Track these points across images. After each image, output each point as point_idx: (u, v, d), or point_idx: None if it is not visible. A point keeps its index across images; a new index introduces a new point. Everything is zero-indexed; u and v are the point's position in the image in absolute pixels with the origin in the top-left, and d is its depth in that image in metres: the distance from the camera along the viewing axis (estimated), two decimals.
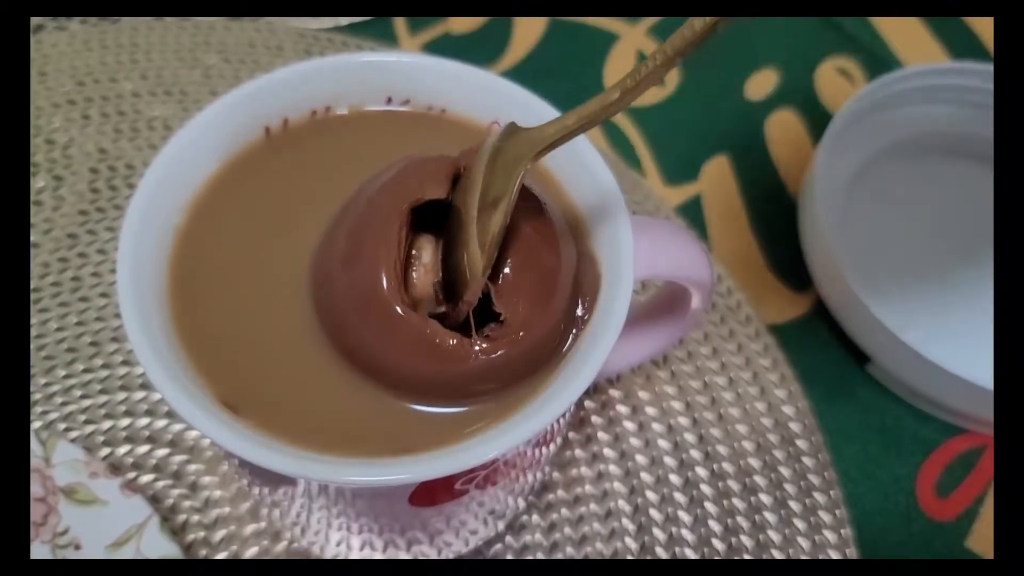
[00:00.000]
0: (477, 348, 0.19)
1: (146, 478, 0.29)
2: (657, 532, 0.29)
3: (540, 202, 0.21)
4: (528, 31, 0.42)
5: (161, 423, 0.30)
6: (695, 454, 0.31)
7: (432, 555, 0.26)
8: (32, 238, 0.34)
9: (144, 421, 0.30)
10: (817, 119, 0.40)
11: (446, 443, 0.19)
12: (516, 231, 0.20)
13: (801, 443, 0.31)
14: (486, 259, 0.19)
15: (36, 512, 0.27)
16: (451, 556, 0.27)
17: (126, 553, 0.27)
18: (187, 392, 0.19)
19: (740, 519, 0.30)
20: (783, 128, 0.40)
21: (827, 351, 0.34)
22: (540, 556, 0.29)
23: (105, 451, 0.30)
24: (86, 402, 0.31)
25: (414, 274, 0.19)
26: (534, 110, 0.24)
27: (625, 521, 0.30)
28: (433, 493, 0.22)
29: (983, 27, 0.44)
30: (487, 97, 0.24)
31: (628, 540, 0.29)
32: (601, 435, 0.31)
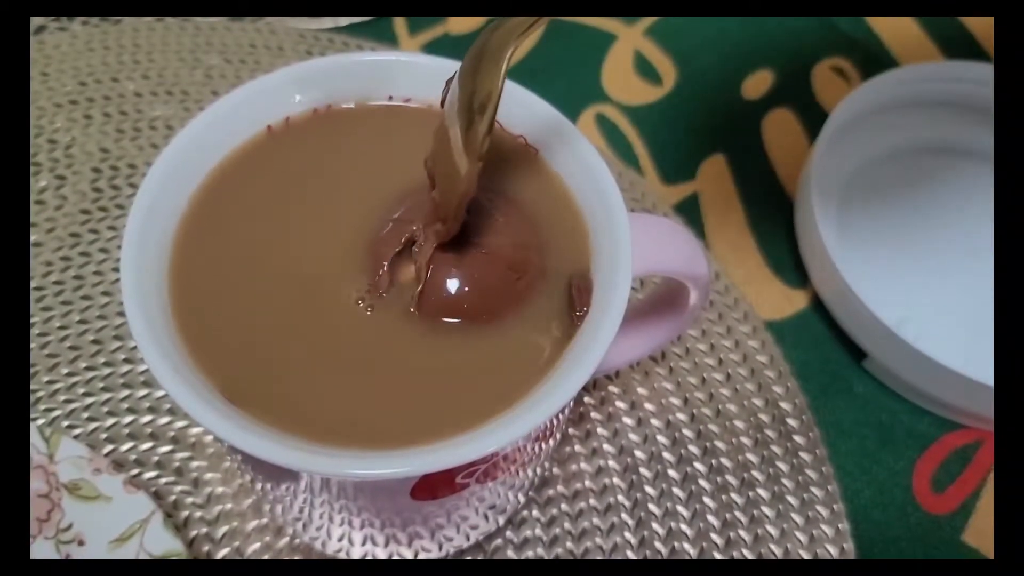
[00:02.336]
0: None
1: (149, 474, 0.29)
2: (656, 526, 0.30)
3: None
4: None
5: (164, 420, 0.30)
6: (693, 449, 0.31)
7: (433, 549, 0.27)
8: (35, 237, 0.34)
9: (147, 418, 0.30)
10: (813, 118, 0.40)
11: (447, 436, 0.19)
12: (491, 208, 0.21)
13: (798, 438, 0.32)
14: (472, 163, 0.19)
15: (40, 508, 0.28)
16: (452, 551, 0.27)
17: (129, 549, 0.27)
18: (190, 387, 0.19)
19: (738, 513, 0.30)
20: (780, 127, 0.40)
21: (824, 347, 0.34)
22: (540, 550, 0.29)
23: (108, 448, 0.30)
24: (89, 399, 0.31)
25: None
26: (533, 109, 0.24)
27: (624, 516, 0.30)
28: (434, 487, 0.22)
29: (978, 27, 0.44)
30: None
31: (627, 534, 0.29)
32: (600, 430, 0.31)
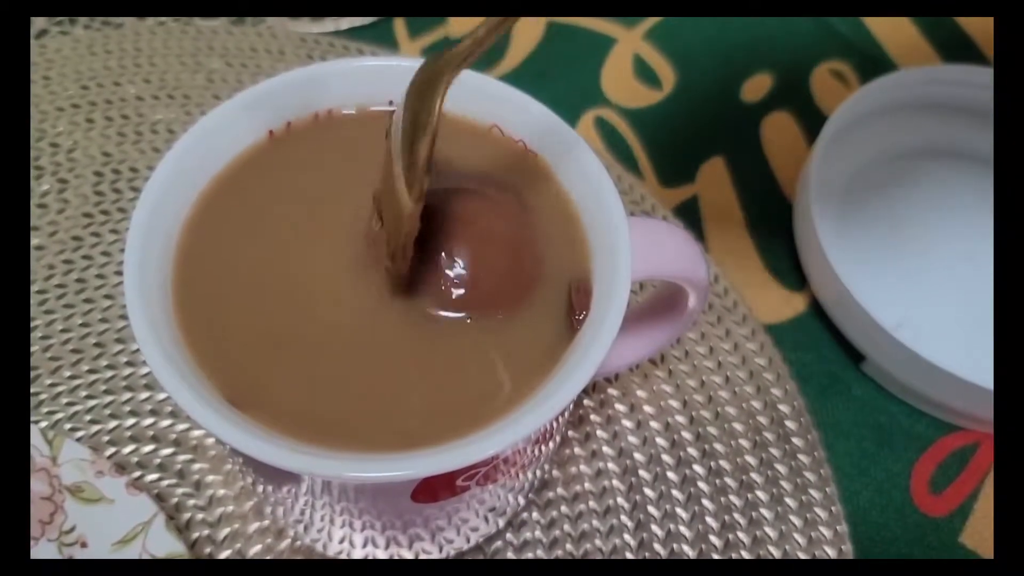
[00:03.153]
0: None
1: (151, 477, 0.30)
2: (655, 528, 0.30)
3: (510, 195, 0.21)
4: (527, 35, 0.43)
5: (165, 423, 0.31)
6: (692, 451, 0.31)
7: (434, 551, 0.27)
8: (37, 241, 0.34)
9: (148, 421, 0.31)
10: (812, 121, 0.40)
11: (447, 439, 0.19)
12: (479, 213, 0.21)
13: (797, 440, 0.32)
14: (417, 188, 0.19)
15: (43, 510, 0.28)
16: (452, 552, 0.28)
17: (132, 551, 0.27)
18: (192, 390, 0.19)
19: (736, 515, 0.30)
20: (779, 130, 0.40)
21: (822, 350, 0.35)
22: (540, 552, 0.29)
23: (110, 450, 0.30)
24: (91, 402, 0.31)
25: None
26: (533, 113, 0.24)
27: (623, 518, 0.30)
28: (435, 490, 0.22)
29: (976, 30, 0.44)
30: (487, 101, 0.24)
31: (626, 536, 0.30)
32: (599, 433, 0.31)
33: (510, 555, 0.29)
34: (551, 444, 0.26)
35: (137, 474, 0.30)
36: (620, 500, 0.30)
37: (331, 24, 0.42)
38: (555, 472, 0.31)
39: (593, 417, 0.32)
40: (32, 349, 0.32)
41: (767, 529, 0.30)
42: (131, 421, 0.31)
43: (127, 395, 0.31)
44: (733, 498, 0.30)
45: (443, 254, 0.21)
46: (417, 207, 0.19)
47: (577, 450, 0.31)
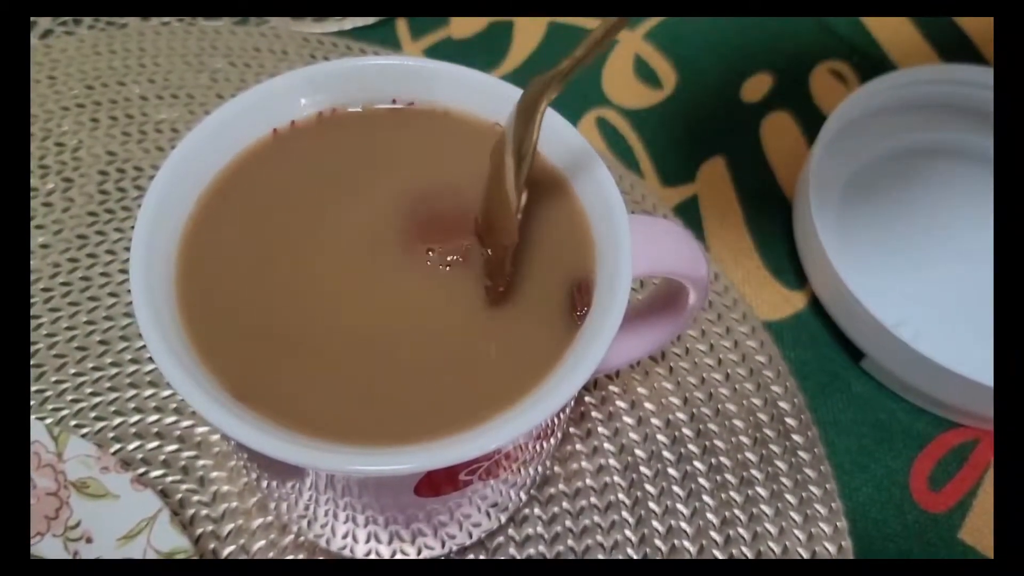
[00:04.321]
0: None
1: (156, 473, 0.30)
2: (656, 524, 0.30)
3: None
4: (528, 35, 0.43)
5: (170, 419, 0.31)
6: (692, 448, 0.32)
7: (436, 546, 0.27)
8: (42, 239, 0.35)
9: (153, 417, 0.31)
10: (812, 121, 0.41)
11: (450, 434, 0.20)
12: None
13: (797, 437, 0.32)
14: (518, 200, 0.21)
15: (48, 506, 0.28)
16: (454, 548, 0.28)
17: (136, 546, 0.27)
18: (198, 385, 0.19)
19: (737, 511, 0.30)
20: (778, 130, 0.41)
21: (822, 347, 0.35)
22: (541, 548, 0.29)
23: (115, 447, 0.30)
24: (96, 399, 0.31)
25: None
26: None
27: (624, 513, 0.30)
28: (437, 484, 0.22)
29: (975, 30, 0.45)
30: (489, 100, 0.25)
31: (627, 532, 0.30)
32: (601, 430, 0.32)
33: (511, 550, 0.29)
34: (552, 440, 0.26)
35: (142, 470, 0.30)
36: (621, 496, 0.30)
37: (334, 24, 0.42)
38: (556, 468, 0.31)
39: (594, 414, 0.32)
40: (38, 347, 0.32)
41: (767, 525, 0.30)
42: (136, 418, 0.31)
43: (132, 392, 0.31)
44: (733, 494, 0.31)
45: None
46: (516, 218, 0.21)
47: (578, 446, 0.31)
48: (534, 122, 0.20)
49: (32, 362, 0.32)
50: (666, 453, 0.31)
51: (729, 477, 0.31)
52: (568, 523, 0.30)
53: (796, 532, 0.30)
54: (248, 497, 0.30)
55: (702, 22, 0.44)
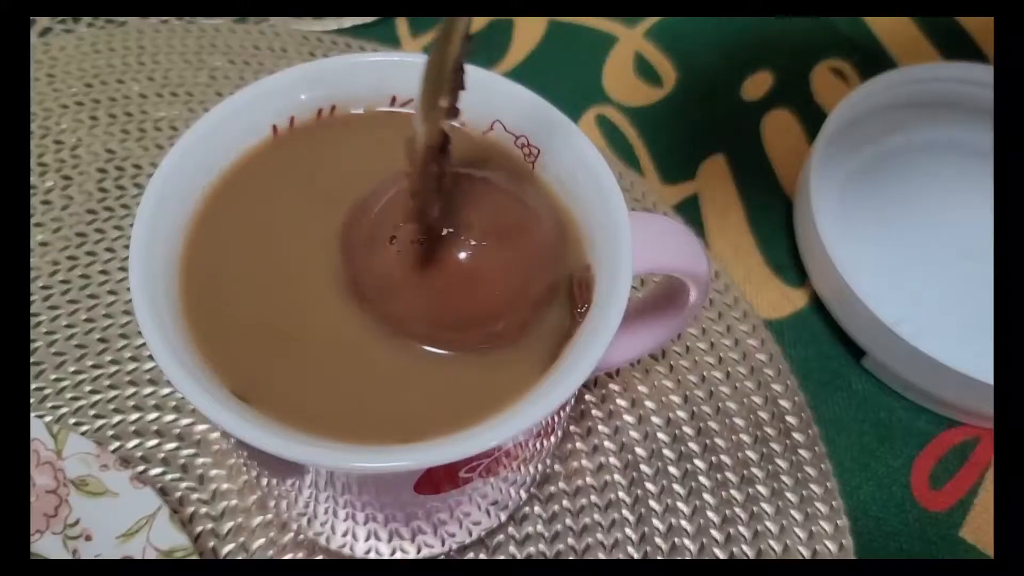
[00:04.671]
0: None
1: (155, 471, 0.30)
2: (656, 522, 0.30)
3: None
4: (528, 34, 0.43)
5: (169, 417, 0.31)
6: (693, 446, 0.31)
7: (436, 544, 0.27)
8: (42, 237, 0.35)
9: (152, 415, 0.31)
10: (812, 118, 0.41)
11: (450, 431, 0.20)
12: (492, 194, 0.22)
13: (798, 435, 0.32)
14: (436, 129, 0.19)
15: (47, 504, 0.28)
16: (454, 546, 0.28)
17: (136, 544, 0.27)
18: (198, 382, 0.19)
19: (737, 510, 0.30)
20: (779, 127, 0.41)
21: (822, 345, 0.35)
22: (541, 546, 0.29)
23: (115, 444, 0.30)
24: (96, 397, 0.31)
25: None
26: (535, 109, 0.24)
27: (625, 512, 0.30)
28: (437, 482, 0.22)
29: (976, 28, 0.45)
30: (489, 97, 0.24)
31: (628, 530, 0.30)
32: (601, 428, 0.32)
33: (512, 549, 0.29)
34: (553, 438, 0.26)
35: (141, 468, 0.30)
36: (621, 494, 0.30)
37: (333, 22, 0.42)
38: (557, 466, 0.31)
39: (595, 412, 0.32)
40: (37, 345, 0.32)
41: (768, 523, 0.30)
42: (135, 416, 0.31)
43: (131, 390, 0.31)
44: (734, 492, 0.31)
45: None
46: (435, 144, 0.19)
47: (579, 445, 0.31)
48: (448, 51, 0.20)
49: (31, 360, 0.32)
50: (666, 451, 0.31)
51: (729, 475, 0.31)
52: (568, 521, 0.30)
53: (797, 530, 0.30)
54: (248, 495, 0.30)
55: (703, 20, 0.44)
